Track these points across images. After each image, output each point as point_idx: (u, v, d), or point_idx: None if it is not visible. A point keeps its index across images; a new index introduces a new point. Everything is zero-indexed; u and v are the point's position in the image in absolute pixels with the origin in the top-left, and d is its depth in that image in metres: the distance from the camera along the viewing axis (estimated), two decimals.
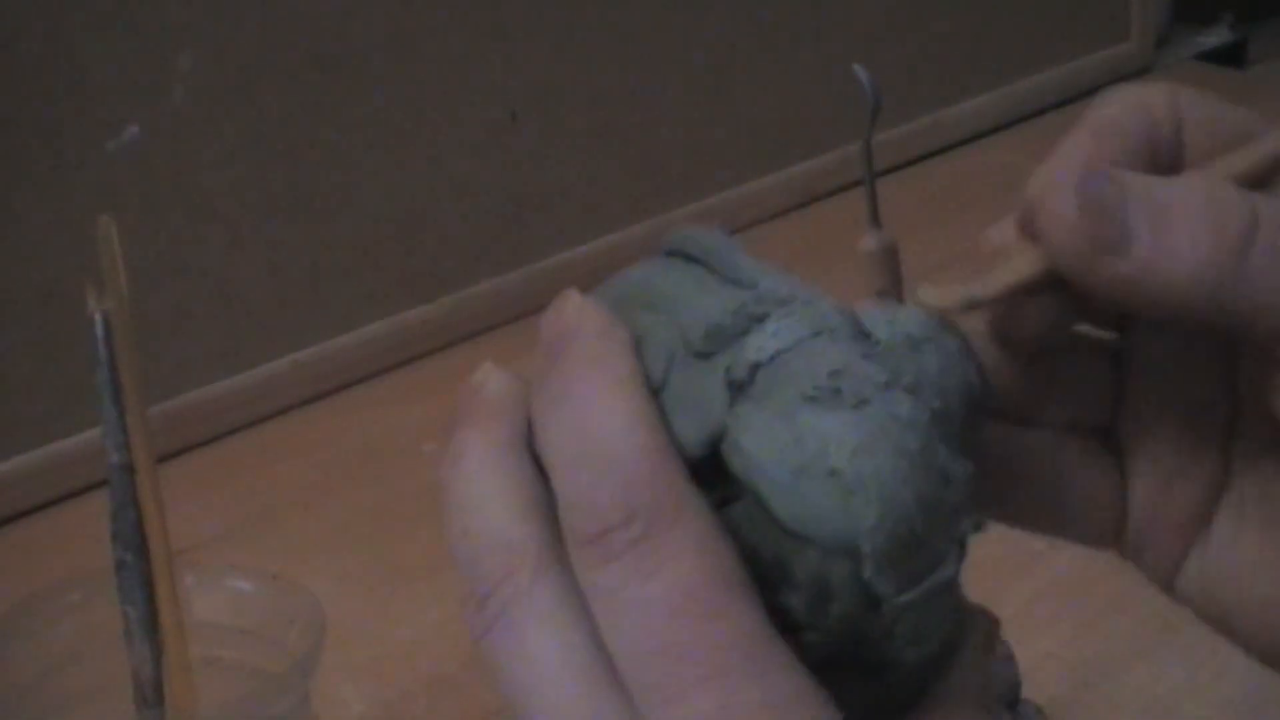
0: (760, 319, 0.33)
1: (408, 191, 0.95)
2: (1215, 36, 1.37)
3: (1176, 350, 0.38)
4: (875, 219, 0.42)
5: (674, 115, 1.06)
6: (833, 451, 0.31)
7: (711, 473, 0.32)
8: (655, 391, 0.32)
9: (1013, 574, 0.70)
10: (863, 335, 0.33)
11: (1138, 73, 1.31)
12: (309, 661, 0.54)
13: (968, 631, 0.34)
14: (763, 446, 0.31)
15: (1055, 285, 0.35)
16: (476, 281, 0.98)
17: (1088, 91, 1.28)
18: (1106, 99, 0.36)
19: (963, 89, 1.22)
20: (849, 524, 0.30)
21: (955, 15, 1.21)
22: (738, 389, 0.32)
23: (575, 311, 0.33)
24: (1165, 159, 0.36)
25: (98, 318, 0.52)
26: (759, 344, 0.32)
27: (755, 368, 0.32)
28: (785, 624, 0.32)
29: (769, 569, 0.31)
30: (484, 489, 0.33)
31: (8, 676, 0.55)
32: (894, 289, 0.45)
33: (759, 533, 0.31)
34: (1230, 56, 1.36)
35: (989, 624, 0.35)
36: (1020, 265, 0.35)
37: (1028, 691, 0.62)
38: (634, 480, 0.31)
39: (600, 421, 0.31)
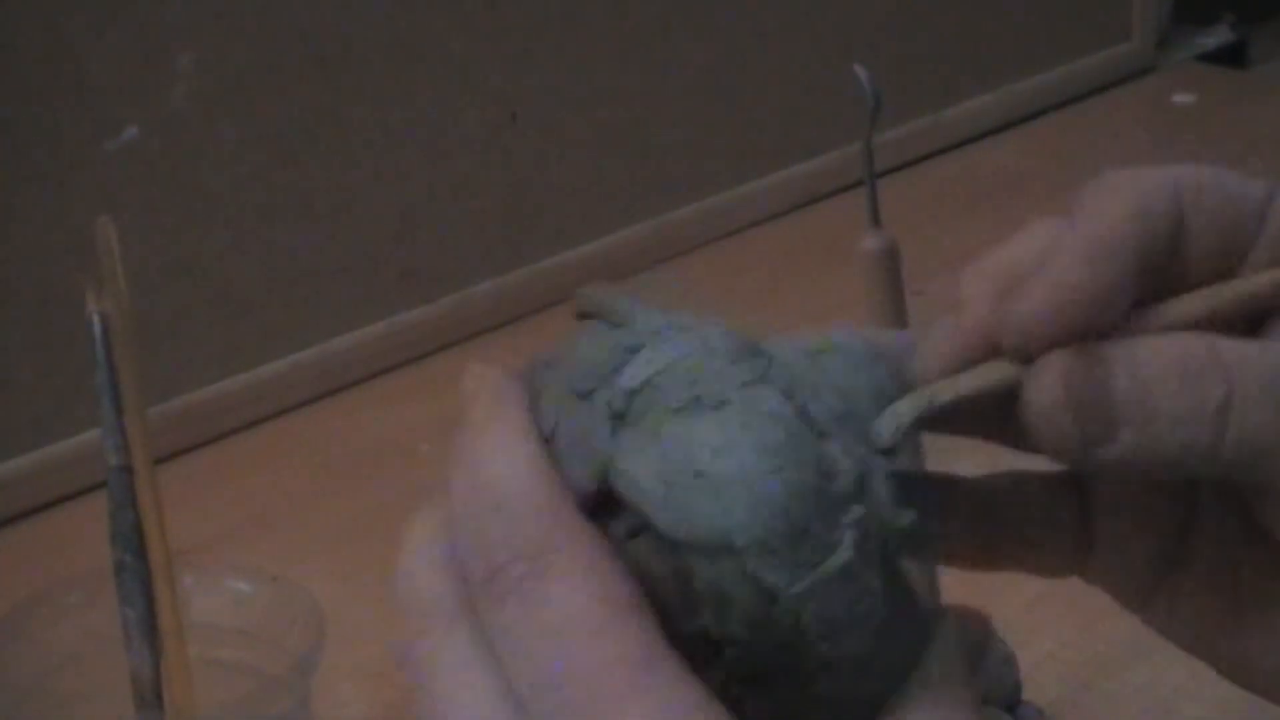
0: (635, 350, 0.33)
1: (408, 191, 0.95)
2: (1215, 36, 1.37)
3: None
4: (875, 219, 0.43)
5: (674, 115, 1.06)
6: (696, 454, 0.31)
7: (617, 507, 0.32)
8: (549, 439, 0.33)
9: (1013, 575, 0.70)
10: (752, 353, 0.33)
11: (1138, 73, 1.31)
12: (309, 662, 0.54)
13: (935, 631, 0.34)
14: (638, 466, 0.32)
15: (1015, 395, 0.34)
16: (476, 281, 0.98)
17: (1088, 92, 1.28)
18: (1104, 194, 0.34)
19: (963, 89, 1.22)
20: (722, 522, 0.31)
21: (955, 15, 1.21)
22: (618, 419, 0.33)
23: (473, 379, 0.34)
24: (1163, 260, 0.35)
25: (96, 318, 0.52)
26: (633, 372, 0.33)
27: (631, 395, 0.33)
28: (707, 646, 0.32)
29: (680, 592, 0.32)
30: (416, 563, 0.34)
31: (8, 676, 0.55)
32: (894, 289, 0.45)
33: (660, 556, 0.32)
34: (1230, 56, 1.36)
35: (972, 625, 0.36)
36: (987, 374, 0.34)
37: (1028, 692, 0.62)
38: (519, 519, 0.32)
39: (489, 471, 0.33)
